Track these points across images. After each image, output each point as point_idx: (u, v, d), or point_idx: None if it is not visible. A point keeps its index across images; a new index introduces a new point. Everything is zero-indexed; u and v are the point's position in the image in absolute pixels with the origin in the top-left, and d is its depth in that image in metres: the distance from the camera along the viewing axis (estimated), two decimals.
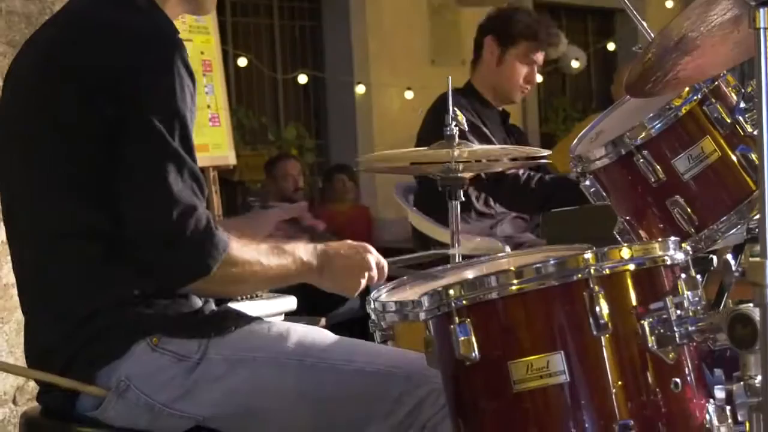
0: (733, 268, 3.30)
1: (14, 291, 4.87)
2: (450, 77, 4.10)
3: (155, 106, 2.83)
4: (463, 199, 3.92)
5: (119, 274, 2.92)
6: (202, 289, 2.93)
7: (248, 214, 3.28)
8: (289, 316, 4.98)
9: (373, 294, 3.15)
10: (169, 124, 2.82)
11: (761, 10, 2.27)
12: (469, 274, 3.22)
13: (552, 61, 12.12)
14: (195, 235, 2.81)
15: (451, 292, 2.66)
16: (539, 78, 6.25)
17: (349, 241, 3.13)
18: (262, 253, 2.98)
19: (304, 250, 3.05)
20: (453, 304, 2.64)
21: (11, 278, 4.93)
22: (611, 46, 12.78)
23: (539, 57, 5.92)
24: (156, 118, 2.81)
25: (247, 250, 2.94)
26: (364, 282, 3.09)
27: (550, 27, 5.95)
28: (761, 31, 2.28)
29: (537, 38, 5.86)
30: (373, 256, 3.10)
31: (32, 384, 4.95)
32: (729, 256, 3.47)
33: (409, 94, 9.69)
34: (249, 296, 4.76)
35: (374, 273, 3.10)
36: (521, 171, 5.61)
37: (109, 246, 2.89)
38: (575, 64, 12.18)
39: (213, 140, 6.13)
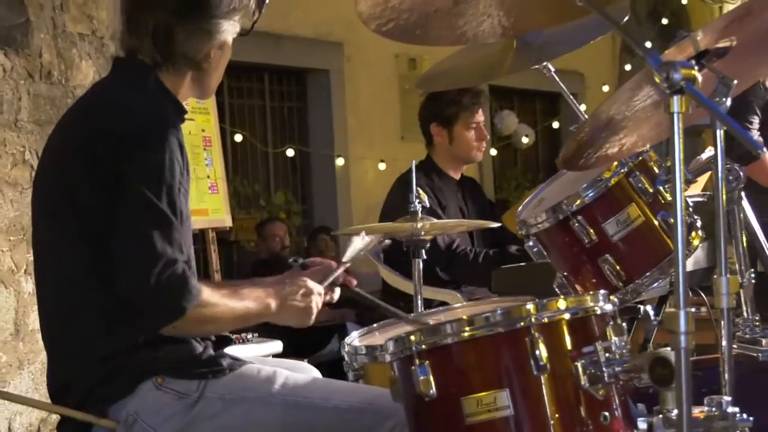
0: (653, 318, 3.32)
1: (39, 336, 4.88)
2: (414, 162, 4.15)
3: (147, 176, 2.87)
4: (425, 257, 3.93)
5: (131, 324, 2.93)
6: (179, 329, 2.91)
7: (287, 273, 3.28)
8: (276, 357, 5.00)
9: (347, 339, 3.16)
10: (157, 190, 2.85)
11: (675, 98, 2.29)
12: (429, 321, 3.22)
13: (505, 138, 12.17)
14: (172, 282, 2.82)
15: (413, 337, 2.67)
16: (494, 151, 6.28)
17: (301, 285, 3.13)
18: (227, 296, 2.99)
19: (264, 294, 3.06)
20: (414, 348, 2.65)
21: (37, 324, 4.95)
22: (556, 125, 12.83)
23: (479, 117, 5.89)
24: (146, 185, 2.85)
25: (216, 295, 2.96)
26: (311, 319, 3.11)
27: (473, 91, 5.92)
28: (675, 115, 2.30)
29: (469, 107, 5.84)
30: (318, 296, 3.13)
31: (54, 417, 4.94)
32: (649, 308, 3.49)
33: (381, 166, 9.71)
34: (242, 340, 4.78)
35: (316, 303, 3.12)
36: (469, 248, 5.63)
37: (110, 298, 2.90)
38: (525, 140, 12.23)
39: (212, 205, 6.15)
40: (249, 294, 3.06)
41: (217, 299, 2.95)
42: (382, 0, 2.60)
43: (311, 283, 3.13)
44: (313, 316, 3.12)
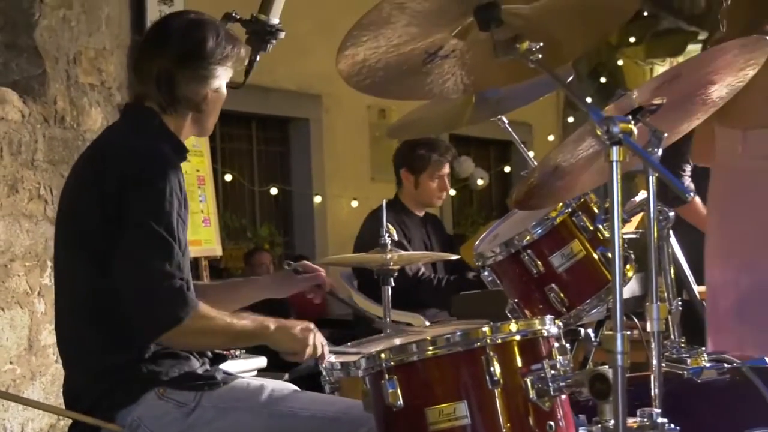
0: (592, 340, 3.33)
1: (50, 351, 4.88)
2: (384, 201, 4.17)
3: (148, 208, 2.90)
4: (394, 284, 3.95)
5: (135, 340, 2.97)
6: (176, 339, 2.93)
7: (280, 273, 3.35)
8: (261, 371, 5.00)
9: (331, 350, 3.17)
10: (157, 220, 2.89)
11: (614, 148, 2.32)
12: (397, 341, 3.23)
13: (463, 180, 12.19)
14: (171, 293, 2.86)
15: (383, 355, 2.68)
16: (453, 192, 6.31)
17: (304, 322, 3.13)
18: (227, 315, 3.02)
19: (262, 318, 3.07)
20: (384, 365, 2.66)
21: (49, 340, 4.94)
22: (507, 169, 12.88)
23: (444, 170, 5.94)
24: (148, 216, 2.89)
25: (214, 311, 2.97)
26: (306, 353, 3.07)
27: (443, 147, 5.96)
28: (613, 163, 2.33)
29: (436, 160, 5.88)
30: (315, 336, 3.10)
31: (62, 423, 4.92)
32: (589, 331, 3.51)
33: (354, 203, 9.72)
34: (232, 356, 4.78)
35: (311, 350, 3.09)
36: (433, 275, 5.66)
37: (122, 317, 2.93)
38: (480, 182, 12.25)
39: (205, 237, 6.16)
40: (248, 315, 3.08)
41: (214, 314, 2.97)
42: (360, 60, 2.62)
43: (312, 326, 3.13)
44: (309, 350, 3.07)
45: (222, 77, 3.14)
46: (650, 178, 2.59)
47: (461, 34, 2.66)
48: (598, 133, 2.32)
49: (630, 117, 2.46)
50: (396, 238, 3.95)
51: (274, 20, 3.66)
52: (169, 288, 2.85)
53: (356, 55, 2.58)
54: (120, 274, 2.89)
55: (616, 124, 2.31)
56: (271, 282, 3.66)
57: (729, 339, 3.88)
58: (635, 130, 2.36)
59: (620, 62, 16.84)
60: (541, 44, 2.53)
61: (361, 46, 2.55)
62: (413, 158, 5.88)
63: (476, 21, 2.56)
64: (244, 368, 4.67)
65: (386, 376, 2.64)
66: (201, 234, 6.12)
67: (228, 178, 9.27)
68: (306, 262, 3.50)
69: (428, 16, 2.53)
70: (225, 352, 3.34)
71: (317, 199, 10.13)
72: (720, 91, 2.95)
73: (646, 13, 16.51)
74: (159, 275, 2.86)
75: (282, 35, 3.68)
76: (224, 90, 3.19)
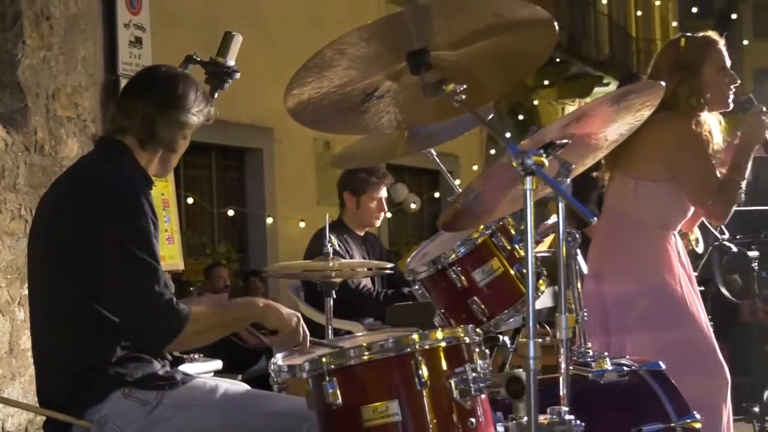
0: (509, 346, 3.33)
1: (29, 354, 4.82)
2: (327, 215, 4.16)
3: (128, 233, 2.90)
4: (336, 296, 3.94)
5: (104, 343, 2.96)
6: (182, 345, 3.00)
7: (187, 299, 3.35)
8: (217, 373, 4.96)
9: (273, 360, 3.14)
10: (139, 244, 2.88)
11: (528, 178, 2.33)
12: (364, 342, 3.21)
13: (398, 204, 12.21)
14: (165, 311, 2.87)
15: (324, 359, 2.66)
16: (389, 214, 6.32)
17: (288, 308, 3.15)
18: (217, 311, 3.05)
19: (247, 299, 3.19)
20: (324, 368, 2.64)
21: (28, 345, 4.88)
22: (437, 195, 12.93)
23: (382, 193, 5.94)
24: (129, 241, 2.88)
25: (205, 309, 3.00)
26: (289, 325, 3.07)
27: (380, 172, 5.96)
28: (527, 191, 2.34)
29: (374, 183, 5.89)
30: (301, 323, 3.12)
31: (39, 419, 4.86)
32: (506, 338, 3.52)
33: (302, 224, 9.70)
34: (189, 359, 4.74)
35: (295, 332, 3.10)
36: (373, 289, 5.65)
37: (97, 323, 2.93)
38: (413, 206, 12.29)
39: (168, 253, 6.16)
40: (233, 303, 3.16)
41: (204, 313, 2.98)
42: (305, 98, 2.61)
43: (299, 315, 3.14)
44: (290, 329, 3.08)
45: (193, 127, 3.18)
46: (559, 203, 2.60)
47: (395, 76, 2.66)
48: (514, 164, 2.33)
49: (542, 151, 2.47)
50: (338, 248, 3.94)
51: (231, 62, 3.66)
52: (163, 305, 2.88)
53: (302, 94, 2.57)
54: (118, 300, 2.90)
55: (530, 156, 2.32)
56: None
57: (597, 343, 3.92)
58: (546, 162, 2.37)
59: (536, 102, 17.04)
60: (465, 86, 2.54)
61: (306, 86, 2.54)
62: (355, 181, 5.88)
63: (408, 65, 2.56)
64: (201, 370, 4.63)
65: (327, 378, 2.63)
66: (165, 250, 6.11)
67: (190, 201, 9.23)
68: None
69: (366, 61, 2.53)
70: (184, 356, 3.33)
71: (269, 220, 10.12)
72: (620, 128, 2.98)
73: (558, 60, 16.72)
74: (152, 297, 2.87)
75: (237, 76, 3.67)
76: (189, 139, 3.23)
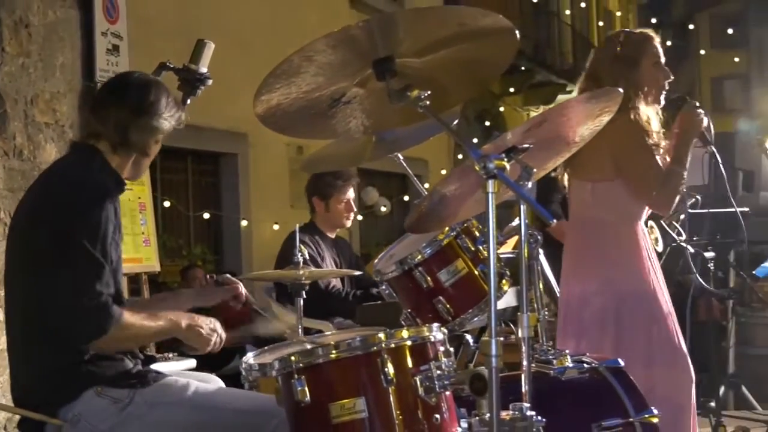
0: (472, 345, 3.33)
1: (6, 354, 4.76)
2: (297, 225, 4.14)
3: (87, 232, 2.91)
4: (306, 296, 3.91)
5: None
6: (105, 346, 2.95)
7: (205, 286, 3.38)
8: (191, 371, 4.92)
9: (244, 358, 3.12)
10: (93, 242, 2.90)
11: (489, 181, 2.32)
12: (308, 345, 3.20)
13: (369, 207, 12.20)
14: (98, 309, 2.87)
15: (293, 358, 2.65)
16: (360, 217, 6.31)
17: (212, 321, 3.18)
18: (145, 319, 3.02)
19: (177, 316, 3.11)
20: (293, 366, 2.63)
21: (5, 345, 4.82)
22: (406, 198, 12.91)
23: (349, 195, 5.92)
24: (86, 239, 2.89)
25: (136, 317, 2.98)
26: (206, 349, 3.14)
27: (346, 174, 5.95)
28: (489, 194, 2.33)
29: (341, 186, 5.87)
30: (218, 335, 3.16)
31: (17, 417, 4.82)
32: (469, 337, 3.51)
33: (276, 227, 9.63)
34: (164, 359, 4.71)
35: (211, 348, 3.15)
36: (342, 288, 5.64)
37: None
38: (383, 209, 12.27)
39: (145, 255, 6.10)
40: (164, 316, 3.09)
41: (135, 321, 2.97)
42: (274, 105, 2.59)
43: (218, 326, 3.17)
44: (209, 348, 3.13)
45: (165, 132, 3.19)
46: (522, 206, 2.59)
47: (361, 83, 2.64)
48: (477, 168, 2.32)
49: (504, 155, 2.46)
50: (307, 257, 3.92)
51: (203, 69, 3.64)
52: (97, 304, 2.87)
53: (271, 100, 2.55)
54: (58, 288, 2.89)
55: (492, 161, 2.31)
56: (195, 293, 3.74)
57: (582, 343, 3.92)
58: (508, 166, 2.37)
59: (502, 109, 17.07)
60: (429, 92, 2.53)
61: (274, 92, 2.52)
62: (322, 186, 5.87)
63: (374, 72, 2.55)
64: (176, 368, 4.58)
65: (295, 376, 2.62)
66: (142, 252, 6.07)
67: (167, 204, 9.15)
68: (228, 275, 3.48)
69: (333, 67, 2.51)
70: (157, 355, 3.32)
71: (244, 223, 10.07)
72: (581, 133, 2.98)
73: (523, 68, 16.77)
74: (90, 293, 2.87)
75: (210, 82, 3.65)
76: (160, 143, 3.23)
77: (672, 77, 4.04)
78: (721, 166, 4.25)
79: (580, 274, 4.01)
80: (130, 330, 2.95)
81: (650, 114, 3.95)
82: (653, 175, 3.86)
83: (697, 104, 3.98)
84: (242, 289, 3.47)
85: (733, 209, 4.59)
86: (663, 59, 4.07)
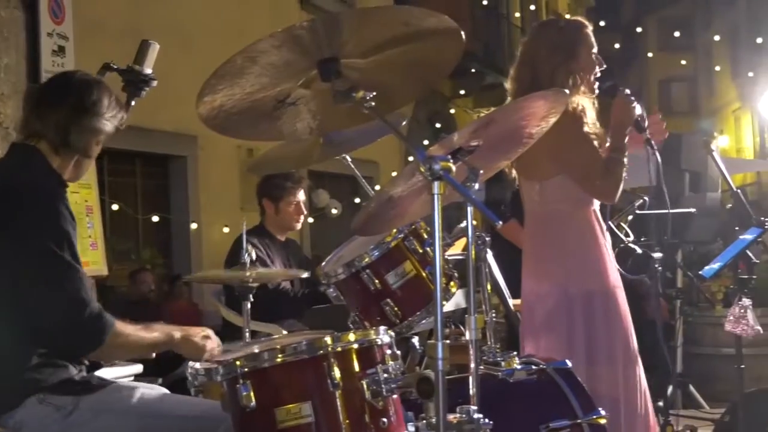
0: (418, 348, 3.31)
1: None
2: (245, 224, 4.11)
3: (50, 235, 2.84)
4: (254, 299, 3.88)
5: (20, 349, 2.88)
6: (100, 355, 2.96)
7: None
8: (137, 377, 4.87)
9: (190, 363, 3.08)
10: (59, 244, 2.83)
11: (435, 183, 2.30)
12: (255, 349, 3.16)
13: (320, 209, 12.17)
14: (90, 319, 2.82)
15: (238, 362, 2.61)
16: (311, 219, 6.30)
17: (204, 329, 3.14)
18: (139, 329, 2.98)
19: (170, 328, 3.06)
20: (238, 371, 2.59)
21: None
22: (357, 200, 12.88)
23: (300, 196, 5.91)
24: (51, 242, 2.82)
25: (129, 327, 2.94)
26: (203, 356, 3.07)
27: (296, 177, 5.93)
28: (435, 196, 2.31)
29: (291, 188, 5.85)
30: (212, 341, 3.10)
31: None
32: (415, 340, 3.49)
33: (226, 229, 9.60)
34: (110, 363, 4.64)
35: (211, 350, 3.09)
36: (290, 288, 5.61)
37: (14, 329, 2.86)
38: (334, 211, 12.26)
39: (92, 259, 6.05)
40: (157, 327, 3.05)
41: (129, 330, 2.94)
42: (217, 105, 2.56)
43: (211, 332, 3.12)
44: (206, 355, 3.07)
45: (107, 133, 3.13)
46: (468, 208, 2.58)
47: (307, 83, 2.62)
48: (422, 170, 2.30)
49: (450, 156, 2.44)
50: (254, 258, 3.88)
51: (147, 70, 3.58)
52: (90, 315, 2.83)
53: (214, 101, 2.52)
54: (46, 304, 2.83)
55: (437, 162, 2.29)
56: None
57: (540, 343, 3.92)
58: (454, 168, 2.35)
59: (453, 111, 17.12)
60: (375, 93, 2.51)
61: (218, 93, 2.49)
62: (272, 188, 5.85)
63: (319, 73, 2.52)
64: (122, 374, 4.53)
65: (241, 381, 2.58)
66: (89, 256, 6.01)
67: (115, 207, 9.08)
68: None
69: (277, 68, 2.48)
70: (101, 361, 3.25)
71: (193, 225, 10.01)
72: (528, 134, 2.97)
73: (474, 70, 16.82)
74: (78, 303, 2.82)
75: (154, 83, 3.59)
76: (102, 144, 3.17)
77: (604, 65, 4.05)
78: (651, 166, 4.23)
79: (538, 273, 4.01)
80: (122, 338, 2.90)
81: (586, 104, 3.95)
82: (595, 164, 3.86)
83: (628, 92, 3.98)
84: None
85: (679, 210, 4.61)
86: (596, 48, 4.07)
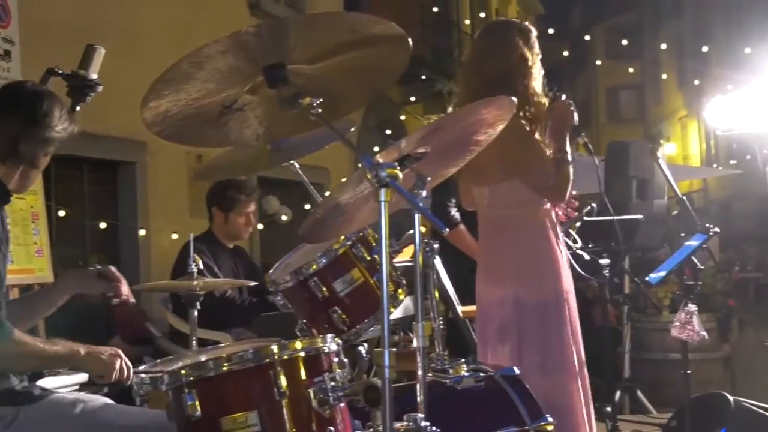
0: (364, 355, 3.30)
1: None
2: (192, 234, 4.07)
3: None
4: (201, 307, 3.85)
5: None
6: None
7: (83, 270, 3.24)
8: (82, 387, 4.79)
9: (134, 371, 3.04)
10: None
11: (381, 191, 2.29)
12: (203, 357, 3.13)
13: (270, 216, 12.10)
14: None
15: (183, 371, 2.57)
16: (261, 226, 6.27)
17: (113, 348, 3.05)
18: (39, 341, 2.92)
19: (74, 344, 2.97)
20: (183, 380, 2.55)
21: None
22: (307, 206, 12.84)
23: (251, 208, 5.89)
24: None
25: (27, 337, 2.87)
26: (113, 375, 2.99)
27: (249, 188, 5.90)
28: (382, 203, 2.30)
29: (243, 200, 5.83)
30: (121, 361, 3.02)
31: None
32: (361, 348, 3.48)
33: (175, 236, 9.50)
34: (54, 373, 4.58)
35: (117, 372, 3.00)
36: (237, 296, 5.58)
37: None
38: (284, 218, 12.19)
39: (38, 266, 5.96)
40: (61, 341, 2.96)
41: (28, 340, 2.86)
42: (162, 111, 2.53)
43: (120, 352, 3.04)
44: (115, 374, 2.99)
45: (56, 144, 3.08)
46: (416, 215, 2.57)
47: (253, 90, 2.59)
48: (368, 177, 2.29)
49: (397, 163, 2.43)
50: (202, 267, 3.85)
51: (93, 75, 3.54)
52: None
53: (159, 106, 2.49)
54: None
55: (384, 169, 2.28)
56: (75, 281, 3.38)
57: (495, 350, 3.92)
58: (401, 175, 2.34)
59: (403, 117, 17.14)
60: (321, 100, 2.49)
61: (163, 99, 2.46)
62: (223, 198, 5.82)
63: (265, 79, 2.49)
64: (65, 383, 4.46)
65: (186, 390, 2.54)
66: (34, 263, 5.92)
67: (62, 213, 8.96)
68: (112, 268, 3.31)
69: (223, 74, 2.46)
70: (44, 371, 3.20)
71: (142, 232, 9.92)
72: (476, 140, 2.97)
73: (424, 77, 16.86)
74: None
75: (100, 89, 3.56)
76: (50, 155, 3.12)
77: (542, 71, 4.08)
78: (599, 174, 4.24)
79: (490, 279, 4.01)
80: (21, 347, 2.84)
81: (535, 108, 3.98)
82: (544, 166, 3.89)
83: (564, 97, 4.02)
84: (124, 288, 3.32)
85: (626, 216, 4.63)
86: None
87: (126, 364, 3.02)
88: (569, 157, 3.93)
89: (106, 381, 3.01)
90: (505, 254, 4.00)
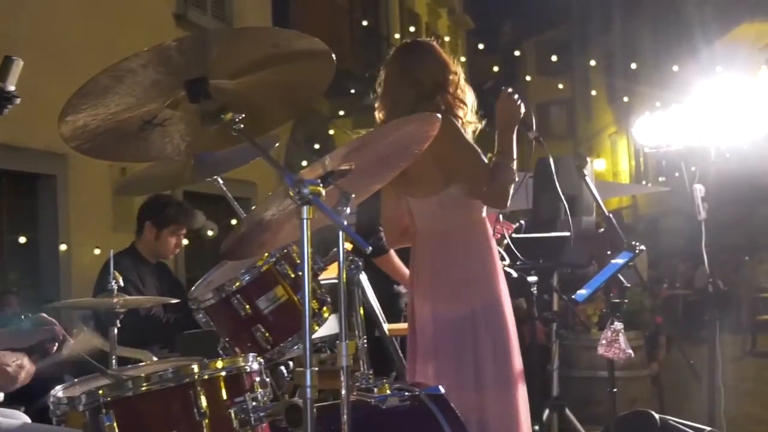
0: (285, 375, 3.28)
1: None
2: (112, 252, 4.03)
3: None
4: (119, 325, 3.81)
5: None
6: None
7: (18, 325, 3.17)
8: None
9: (52, 391, 2.99)
10: None
11: (304, 208, 2.29)
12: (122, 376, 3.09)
13: (196, 230, 12.01)
14: None
15: (100, 391, 2.56)
16: (185, 241, 6.22)
17: (19, 357, 2.99)
18: None
19: None
20: (101, 400, 2.54)
21: None
22: (234, 222, 12.77)
23: (184, 230, 5.85)
24: None
25: None
26: (13, 387, 2.95)
27: (189, 212, 5.87)
28: (304, 220, 2.30)
29: (181, 222, 5.79)
30: (25, 371, 2.98)
31: None
32: (282, 368, 3.46)
33: (97, 251, 9.40)
34: None
35: (18, 384, 2.96)
36: (162, 313, 5.53)
37: None
38: (210, 233, 12.11)
39: None
40: None
41: None
42: (81, 125, 2.49)
43: (26, 361, 2.99)
44: (17, 385, 2.95)
45: None
46: (340, 233, 2.57)
47: (174, 104, 2.57)
48: (291, 194, 2.29)
49: (320, 180, 2.43)
50: (122, 284, 3.81)
51: (10, 87, 3.48)
52: None
53: (77, 121, 2.45)
54: None
55: (307, 186, 2.29)
56: (9, 334, 3.37)
57: (429, 367, 3.92)
58: (324, 192, 2.34)
59: (332, 132, 17.14)
60: (244, 115, 2.48)
61: (81, 113, 2.42)
62: (161, 215, 5.74)
63: (186, 94, 2.48)
64: None
65: (104, 410, 2.53)
66: None
67: None
68: (43, 315, 3.27)
69: (144, 88, 2.44)
70: None
71: (63, 247, 9.79)
72: (402, 157, 2.98)
73: (353, 91, 16.87)
74: None
75: (18, 101, 3.50)
76: None
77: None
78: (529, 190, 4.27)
79: (425, 294, 4.01)
80: None
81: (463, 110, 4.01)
82: (479, 171, 3.88)
83: (511, 90, 4.00)
84: (60, 330, 3.28)
85: (556, 233, 4.67)
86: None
87: (28, 372, 2.98)
88: (511, 162, 3.90)
89: (5, 391, 2.99)
90: (449, 262, 3.98)
